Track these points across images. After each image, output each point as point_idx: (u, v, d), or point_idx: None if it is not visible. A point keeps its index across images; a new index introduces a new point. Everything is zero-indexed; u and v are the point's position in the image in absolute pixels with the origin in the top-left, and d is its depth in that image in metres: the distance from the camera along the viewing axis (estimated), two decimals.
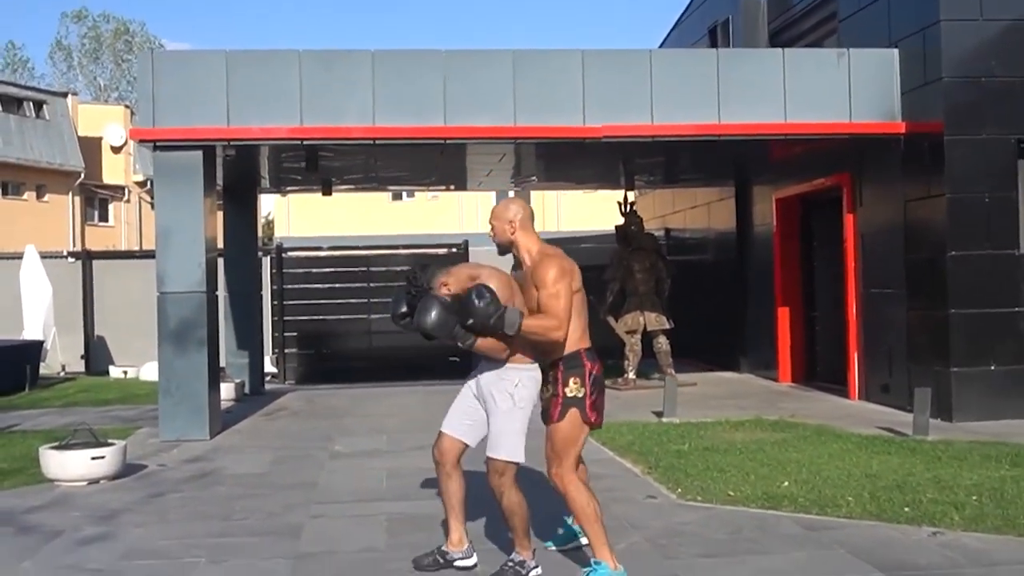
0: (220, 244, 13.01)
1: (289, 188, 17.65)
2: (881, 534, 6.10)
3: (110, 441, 8.54)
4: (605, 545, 5.08)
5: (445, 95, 10.77)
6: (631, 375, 14.58)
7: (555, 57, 11.11)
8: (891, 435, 9.64)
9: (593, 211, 29.14)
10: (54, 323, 17.24)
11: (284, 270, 17.49)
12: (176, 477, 8.49)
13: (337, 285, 17.51)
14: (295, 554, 5.95)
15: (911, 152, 11.22)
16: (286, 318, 17.33)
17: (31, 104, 37.09)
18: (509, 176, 15.71)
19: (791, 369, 14.70)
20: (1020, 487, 7.11)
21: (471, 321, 4.87)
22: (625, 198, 15.44)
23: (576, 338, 5.12)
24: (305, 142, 10.97)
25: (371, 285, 17.32)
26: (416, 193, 34.89)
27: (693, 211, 18.52)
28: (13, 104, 36.41)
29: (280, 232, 35.81)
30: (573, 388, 5.09)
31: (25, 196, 36.39)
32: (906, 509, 6.59)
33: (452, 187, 18.36)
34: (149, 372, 15.77)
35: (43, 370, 16.77)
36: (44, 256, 17.79)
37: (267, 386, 15.55)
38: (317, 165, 12.36)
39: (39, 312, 16.96)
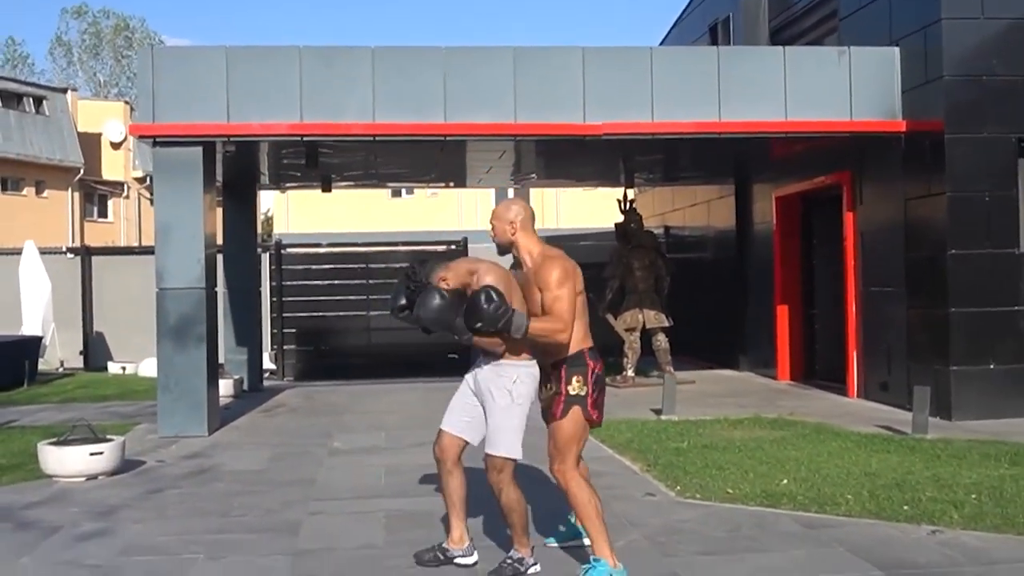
0: (219, 240, 12.99)
1: (289, 184, 17.63)
2: (880, 532, 6.10)
3: (109, 437, 8.52)
4: (606, 543, 5.08)
5: (445, 92, 10.76)
6: (630, 373, 14.57)
7: (556, 54, 11.10)
8: (890, 433, 9.64)
9: (592, 209, 29.14)
10: (53, 319, 17.23)
11: (283, 267, 17.47)
12: (175, 473, 8.48)
13: (336, 282, 17.50)
14: (293, 551, 5.94)
15: (912, 150, 11.21)
16: (285, 315, 17.32)
17: (31, 100, 37.08)
18: (509, 173, 15.71)
19: (790, 367, 14.69)
20: (1019, 486, 7.10)
21: (479, 324, 4.86)
22: (625, 196, 15.43)
23: (579, 338, 5.15)
24: (305, 138, 10.95)
25: (370, 282, 17.29)
26: (415, 190, 34.91)
27: (693, 209, 18.51)
28: (13, 100, 36.40)
29: (279, 229, 35.82)
30: (576, 386, 5.11)
31: (24, 192, 36.39)
32: (905, 507, 6.58)
33: (452, 184, 18.34)
34: (148, 368, 15.76)
35: (42, 366, 16.76)
36: (43, 252, 17.76)
37: (266, 383, 15.56)
38: (317, 161, 12.35)
39: (38, 308, 16.95)
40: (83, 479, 8.07)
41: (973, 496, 6.82)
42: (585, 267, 5.38)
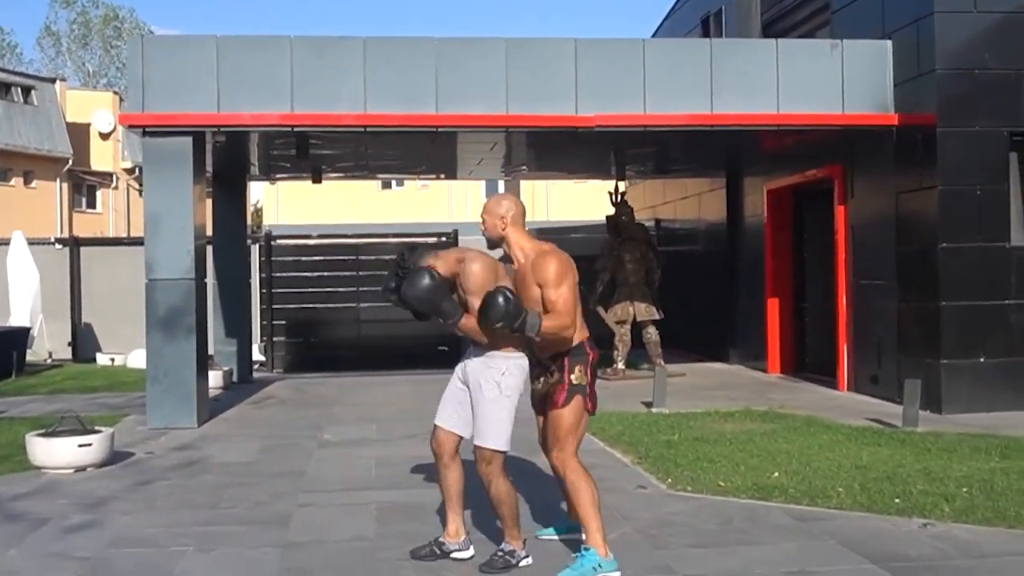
0: (209, 231, 12.93)
1: (279, 175, 17.58)
2: (872, 525, 6.10)
3: (97, 428, 8.49)
4: (598, 532, 5.11)
5: (437, 83, 10.72)
6: (620, 365, 14.57)
7: (548, 46, 11.06)
8: (881, 426, 9.65)
9: (583, 201, 29.13)
10: (41, 310, 17.15)
11: (273, 258, 17.41)
12: (164, 465, 8.44)
13: (326, 273, 17.45)
14: (283, 543, 5.91)
15: (903, 144, 11.21)
16: (275, 306, 17.26)
17: (19, 90, 36.87)
18: (500, 165, 15.67)
19: (780, 360, 14.71)
20: (1010, 479, 7.11)
21: (500, 323, 4.85)
22: (616, 188, 15.42)
23: (578, 329, 5.19)
24: (296, 129, 10.91)
25: (360, 273, 17.24)
26: (406, 182, 34.84)
27: (684, 202, 18.50)
28: (1, 89, 36.19)
29: (269, 220, 35.72)
30: (578, 375, 5.16)
31: (12, 182, 36.19)
32: (896, 500, 6.59)
33: (442, 176, 18.30)
34: (136, 359, 15.71)
35: (30, 357, 16.68)
36: (31, 242, 17.68)
37: (255, 374, 15.50)
38: (308, 152, 12.29)
39: (26, 299, 16.87)
40: (71, 471, 8.02)
41: (964, 489, 6.82)
42: (576, 260, 5.36)
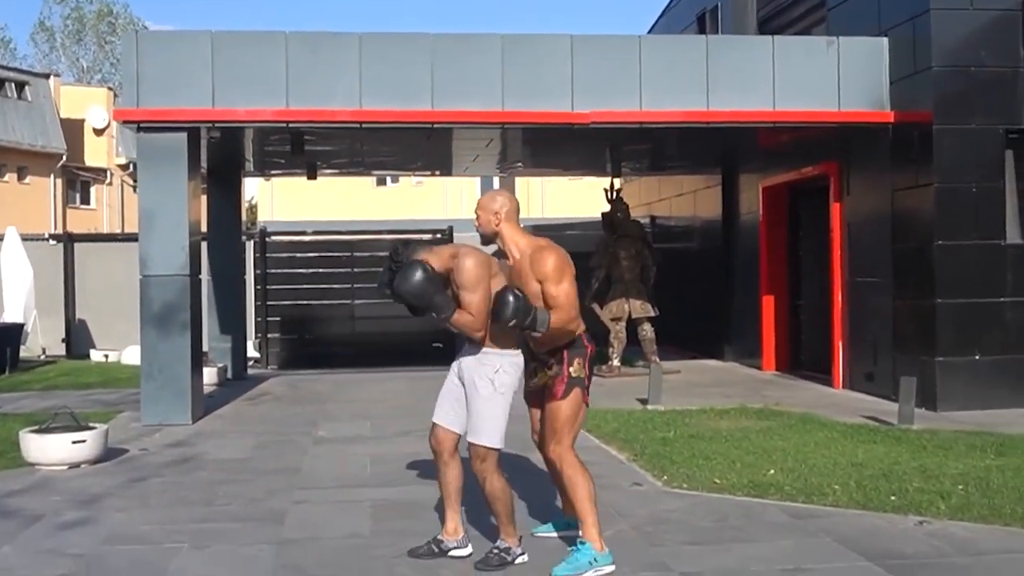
0: (204, 228, 12.89)
1: (274, 172, 17.55)
2: (868, 523, 6.09)
3: (91, 425, 8.45)
4: (594, 527, 5.14)
5: (433, 79, 10.69)
6: (615, 362, 14.56)
7: (544, 42, 11.04)
8: (876, 424, 9.65)
9: (578, 198, 29.09)
10: (35, 306, 17.10)
11: (268, 254, 17.35)
12: (158, 462, 8.41)
13: (321, 270, 17.40)
14: (278, 540, 5.89)
15: (899, 141, 11.20)
16: (269, 303, 17.21)
17: (13, 85, 36.78)
18: (495, 162, 15.66)
19: (775, 357, 14.71)
20: (1006, 477, 7.11)
21: (513, 321, 4.89)
22: (612, 185, 15.40)
23: (577, 326, 5.21)
24: (291, 125, 10.87)
25: (355, 270, 17.20)
26: (401, 179, 34.81)
27: (679, 199, 18.50)
28: None
29: (263, 216, 35.66)
30: (577, 368, 5.20)
31: (6, 178, 36.12)
32: (892, 498, 6.58)
33: (438, 172, 18.28)
34: (130, 356, 15.67)
35: (23, 353, 16.64)
36: (25, 238, 17.61)
37: (250, 371, 15.47)
38: (302, 148, 12.26)
39: (20, 294, 16.81)
40: (65, 467, 8.00)
41: (960, 487, 6.82)
42: (571, 256, 5.37)
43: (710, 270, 16.77)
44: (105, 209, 40.10)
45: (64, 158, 37.46)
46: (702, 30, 17.16)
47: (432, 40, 10.81)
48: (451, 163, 15.82)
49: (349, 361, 16.19)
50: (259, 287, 17.21)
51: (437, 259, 5.10)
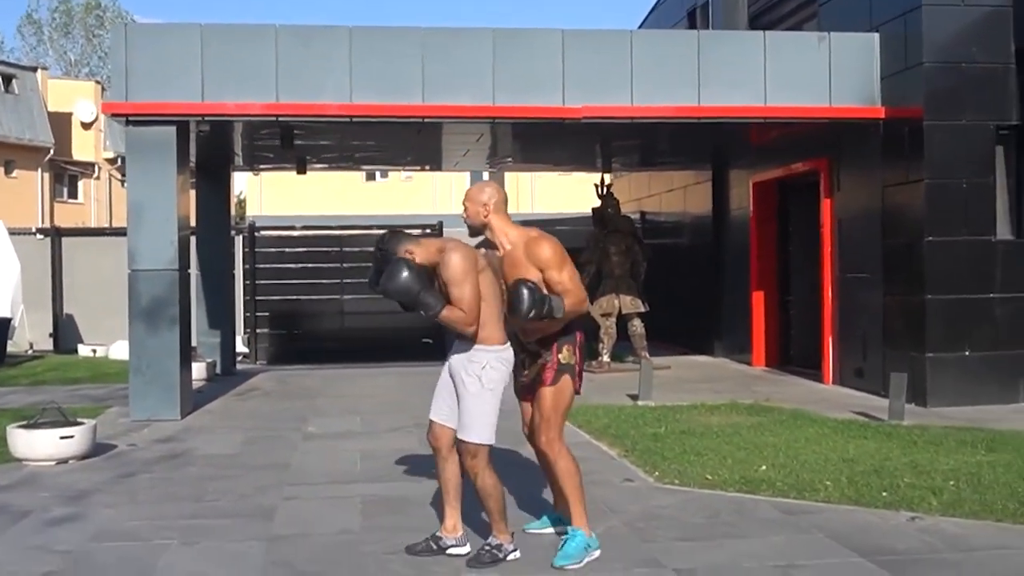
0: (192, 222, 12.83)
1: (263, 166, 17.46)
2: (859, 519, 6.08)
3: (79, 420, 8.40)
4: (583, 514, 5.25)
5: (424, 73, 10.65)
6: (606, 358, 14.55)
7: (535, 36, 11.00)
8: (866, 420, 9.65)
9: (567, 193, 29.11)
10: (22, 300, 17.01)
11: (256, 249, 17.31)
12: (147, 457, 8.36)
13: (310, 265, 17.37)
14: (268, 536, 5.86)
15: (890, 137, 11.21)
16: (258, 298, 17.17)
17: (0, 78, 36.54)
18: (485, 157, 15.62)
19: (765, 353, 14.71)
20: (996, 472, 7.11)
21: (532, 312, 4.93)
22: (602, 180, 15.39)
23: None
24: (280, 119, 10.82)
25: (344, 265, 17.19)
26: (390, 173, 34.75)
27: (669, 194, 18.48)
28: None
29: (252, 211, 35.56)
30: (566, 355, 5.25)
31: None
32: (884, 494, 6.57)
33: (428, 167, 18.23)
34: (118, 351, 15.60)
35: (10, 348, 16.57)
36: (12, 232, 17.53)
37: (239, 366, 15.42)
38: (292, 143, 12.21)
39: (7, 289, 16.72)
40: (53, 463, 7.95)
41: (951, 483, 6.82)
42: None
43: (700, 266, 16.77)
44: (93, 203, 39.92)
45: (51, 152, 37.28)
46: (693, 26, 17.14)
47: (423, 34, 10.77)
48: (441, 158, 15.78)
49: (338, 356, 16.15)
50: (248, 282, 17.16)
51: (423, 251, 5.07)
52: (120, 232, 15.26)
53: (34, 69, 38.96)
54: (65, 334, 18.21)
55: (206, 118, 10.66)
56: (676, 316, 17.09)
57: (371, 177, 35.66)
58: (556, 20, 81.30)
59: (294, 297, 17.26)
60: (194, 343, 12.84)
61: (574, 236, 15.54)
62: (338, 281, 17.22)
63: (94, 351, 16.97)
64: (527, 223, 5.56)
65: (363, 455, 8.29)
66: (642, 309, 14.67)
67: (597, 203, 15.17)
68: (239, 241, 17.34)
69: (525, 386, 5.42)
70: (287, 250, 17.54)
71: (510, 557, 5.22)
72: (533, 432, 5.39)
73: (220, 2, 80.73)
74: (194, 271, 13.04)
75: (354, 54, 10.58)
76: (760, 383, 12.89)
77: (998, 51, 10.82)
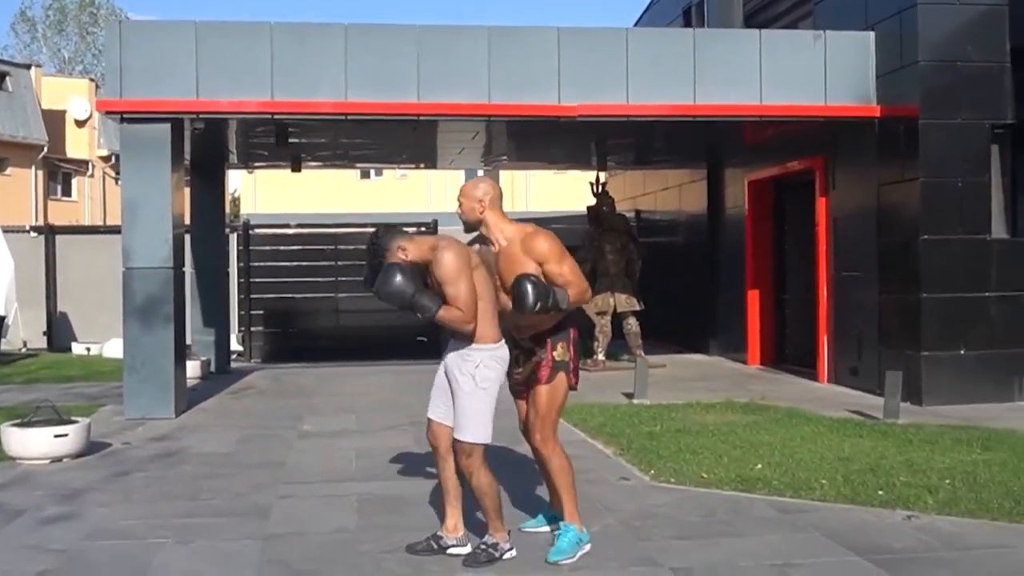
0: (187, 220, 12.80)
1: (258, 164, 17.42)
2: (856, 517, 6.08)
3: (73, 419, 8.37)
4: (576, 510, 5.30)
5: (419, 71, 10.63)
6: (601, 356, 14.54)
7: (531, 34, 10.99)
8: (862, 418, 9.65)
9: (562, 192, 29.10)
10: (16, 298, 16.95)
11: (251, 247, 17.27)
12: (141, 456, 8.34)
13: (305, 263, 17.34)
14: (264, 535, 5.84)
15: (885, 136, 11.21)
16: (253, 296, 17.13)
17: None
18: (480, 155, 15.60)
19: (760, 352, 14.72)
20: (992, 471, 7.11)
21: (539, 306, 4.94)
22: (597, 178, 15.38)
23: (555, 313, 5.23)
24: (276, 117, 10.80)
25: (339, 263, 17.14)
26: (385, 172, 34.71)
27: (664, 193, 18.48)
28: None
29: (246, 209, 35.51)
30: (560, 352, 5.27)
31: None
32: (880, 492, 6.57)
33: (423, 165, 18.21)
34: (112, 349, 15.57)
35: (4, 346, 16.52)
36: (6, 230, 17.45)
37: (233, 364, 15.38)
38: (287, 140, 12.19)
39: (0, 287, 16.65)
40: (47, 462, 7.91)
41: (947, 481, 6.82)
42: None
43: (695, 264, 16.77)
44: (87, 201, 39.81)
45: (45, 149, 37.16)
46: (688, 24, 17.12)
47: (418, 32, 10.74)
48: (436, 156, 15.76)
49: (333, 354, 16.12)
50: (242, 280, 17.12)
51: (416, 248, 5.06)
52: (114, 230, 15.21)
53: (28, 67, 38.82)
54: (59, 332, 18.15)
55: (201, 116, 10.63)
56: (671, 314, 17.08)
57: (365, 175, 35.61)
58: (552, 18, 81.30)
59: (288, 295, 17.22)
60: (188, 341, 12.82)
61: (569, 234, 15.44)
62: (333, 279, 17.18)
63: (88, 349, 16.92)
64: (522, 221, 5.54)
65: (358, 453, 8.28)
66: (637, 307, 14.66)
67: (592, 201, 15.16)
68: (233, 239, 17.29)
69: (519, 383, 5.41)
70: (282, 248, 17.50)
71: (506, 556, 5.21)
72: (528, 429, 5.39)
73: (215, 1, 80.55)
74: (188, 269, 13.00)
75: (349, 52, 10.55)
76: (755, 381, 12.89)
77: (994, 50, 10.82)
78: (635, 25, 20.34)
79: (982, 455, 7.72)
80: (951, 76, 10.79)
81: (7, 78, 36.76)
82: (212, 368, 14.09)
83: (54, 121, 37.85)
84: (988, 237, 10.87)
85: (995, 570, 5.15)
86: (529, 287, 4.92)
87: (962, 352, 10.71)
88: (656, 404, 10.55)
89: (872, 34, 11.36)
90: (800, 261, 13.79)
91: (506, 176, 31.64)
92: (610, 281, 14.69)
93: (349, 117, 10.81)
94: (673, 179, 17.86)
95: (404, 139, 13.28)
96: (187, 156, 12.92)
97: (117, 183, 32.88)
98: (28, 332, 17.55)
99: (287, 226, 18.10)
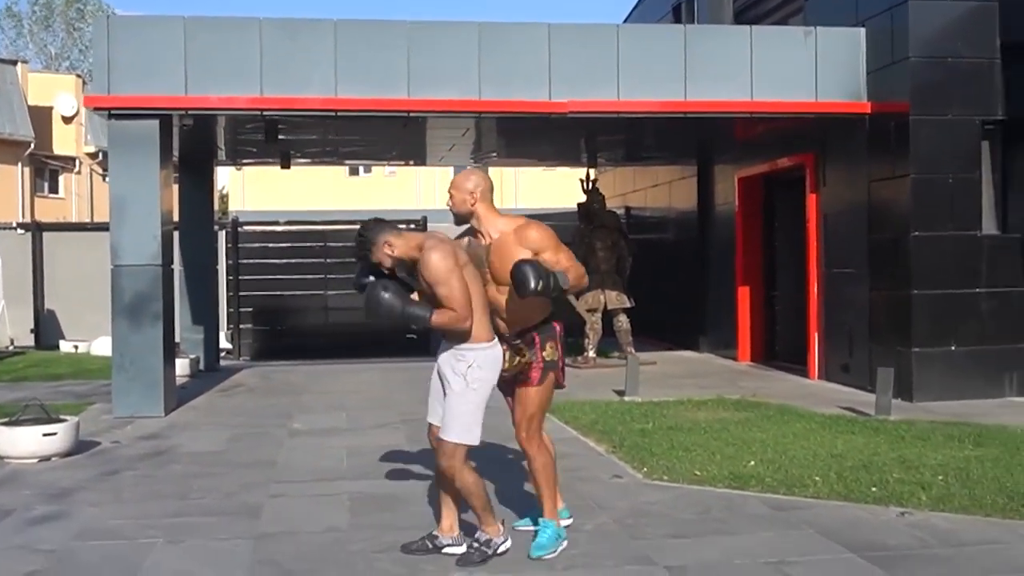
0: (175, 217, 12.73)
1: (246, 160, 17.37)
2: (849, 514, 6.07)
3: (62, 417, 8.31)
4: (554, 508, 5.35)
5: (409, 67, 10.58)
6: (591, 353, 14.52)
7: (521, 30, 10.94)
8: (853, 415, 9.64)
9: (551, 188, 29.09)
10: (3, 296, 16.87)
11: (240, 244, 17.21)
12: (130, 454, 8.28)
13: (293, 260, 17.28)
14: (255, 534, 5.80)
15: (876, 132, 11.21)
16: (241, 293, 17.07)
17: None
18: (470, 152, 15.56)
19: (751, 348, 14.72)
20: (985, 467, 7.11)
21: (540, 285, 4.91)
22: (587, 175, 15.36)
23: (544, 305, 5.30)
24: (265, 113, 10.73)
25: (328, 260, 17.11)
26: (373, 168, 34.65)
27: (654, 189, 18.47)
28: None
29: (234, 206, 35.41)
30: (550, 352, 5.30)
31: None
32: (873, 489, 6.56)
33: (412, 162, 18.17)
34: (101, 347, 15.49)
35: None
36: None
37: (222, 362, 15.32)
38: (276, 137, 12.13)
39: None
40: (35, 460, 7.85)
41: (940, 478, 6.81)
42: None
43: (685, 261, 16.76)
44: (74, 198, 39.60)
45: (32, 146, 36.92)
46: (678, 20, 17.11)
47: (409, 28, 10.69)
48: (426, 153, 15.72)
49: (322, 352, 16.09)
50: (231, 277, 17.06)
51: (404, 243, 5.03)
52: (101, 227, 15.13)
53: (14, 62, 38.56)
54: (46, 330, 18.06)
55: (190, 112, 10.57)
56: (661, 311, 17.07)
57: (354, 172, 35.54)
58: (542, 14, 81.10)
59: (278, 292, 17.17)
60: (177, 339, 12.76)
61: (559, 231, 15.30)
62: (322, 276, 17.15)
63: (76, 347, 16.83)
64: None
65: (349, 452, 8.23)
66: (628, 304, 14.65)
67: (582, 198, 15.13)
68: (222, 236, 17.22)
69: (507, 381, 5.37)
70: (270, 245, 17.45)
71: (501, 549, 5.18)
72: (515, 427, 5.38)
73: None
74: (177, 267, 12.93)
75: (339, 48, 10.50)
76: (746, 378, 12.89)
77: (984, 46, 10.83)
78: (624, 22, 20.31)
79: (974, 451, 7.72)
80: (942, 72, 10.79)
81: None
82: (201, 366, 14.02)
83: (41, 117, 37.63)
84: (978, 233, 10.88)
85: (989, 566, 5.14)
86: (529, 269, 4.91)
87: (953, 348, 10.72)
88: (647, 401, 10.53)
89: (863, 30, 11.36)
90: (790, 258, 13.79)
91: (495, 172, 31.57)
92: (600, 278, 14.66)
93: (339, 113, 10.76)
94: (663, 176, 17.85)
95: (394, 135, 13.24)
96: (176, 153, 12.85)
97: (104, 180, 32.72)
98: (15, 330, 17.47)
99: (276, 223, 18.05)
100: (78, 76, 40.85)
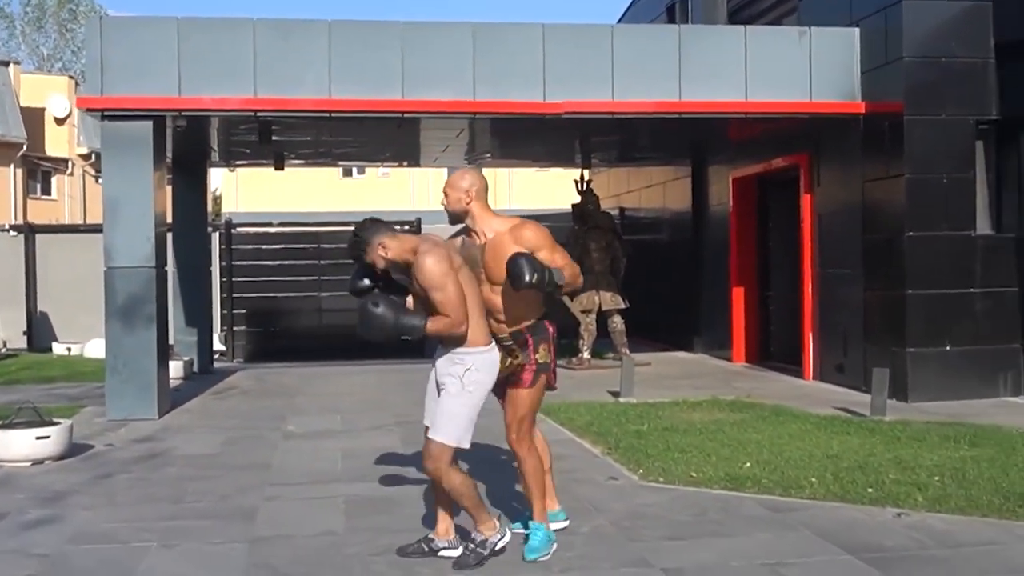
0: (169, 219, 12.69)
1: (240, 162, 17.33)
2: (846, 515, 6.05)
3: (55, 420, 8.27)
4: (544, 510, 5.32)
5: (403, 68, 10.56)
6: (586, 355, 14.50)
7: (515, 31, 10.93)
8: (848, 415, 9.64)
9: (545, 189, 29.08)
10: None
11: (233, 246, 17.17)
12: (124, 458, 8.24)
13: (287, 262, 17.25)
14: (250, 538, 5.77)
15: (870, 132, 11.21)
16: (235, 295, 17.04)
17: None
18: (464, 152, 15.54)
19: (745, 349, 14.71)
20: (981, 468, 7.11)
21: (536, 278, 4.90)
22: (582, 176, 15.35)
23: (538, 304, 5.30)
24: (258, 114, 10.70)
25: (321, 262, 17.08)
26: (367, 170, 34.61)
27: (649, 190, 18.46)
28: None
29: (228, 208, 35.35)
30: (543, 354, 5.28)
31: None
32: (869, 490, 6.55)
33: (406, 163, 18.14)
34: (94, 349, 15.44)
35: None
36: None
37: (216, 364, 15.27)
38: (270, 138, 12.08)
39: None
40: (29, 464, 7.81)
41: (936, 478, 6.81)
42: None
43: (680, 262, 16.75)
44: (67, 200, 39.51)
45: (24, 147, 36.84)
46: (672, 20, 17.10)
47: (402, 28, 10.67)
48: (420, 154, 15.69)
49: (317, 354, 16.04)
50: (225, 279, 17.02)
51: (399, 245, 5.00)
52: (94, 229, 15.08)
53: (6, 64, 38.45)
54: (39, 332, 18.01)
55: (183, 113, 10.54)
56: (656, 312, 17.06)
57: (348, 173, 35.51)
58: (536, 15, 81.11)
59: (271, 294, 17.14)
60: (171, 341, 12.71)
61: (554, 232, 15.34)
62: (316, 278, 17.11)
63: (69, 349, 16.79)
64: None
65: (344, 454, 8.21)
66: (622, 305, 14.64)
67: (577, 199, 15.12)
68: (216, 238, 17.19)
69: (498, 382, 5.34)
70: (264, 247, 17.41)
71: (499, 545, 5.16)
72: (506, 428, 5.36)
73: None
74: (171, 268, 12.90)
75: (333, 48, 10.47)
76: (740, 379, 12.88)
77: (978, 46, 10.84)
78: (618, 22, 20.30)
79: (970, 451, 7.72)
80: (936, 72, 10.79)
81: None
82: (195, 368, 13.98)
83: (33, 119, 37.53)
84: (973, 233, 10.88)
85: (986, 567, 5.13)
86: (524, 262, 4.90)
87: (947, 348, 10.72)
88: (642, 402, 10.51)
89: (857, 30, 11.36)
90: (785, 258, 13.78)
91: (489, 173, 31.50)
92: (595, 279, 14.64)
93: (333, 114, 10.74)
94: (658, 176, 17.84)
95: (388, 136, 13.21)
96: (169, 154, 12.82)
97: (97, 181, 32.68)
98: (8, 332, 17.43)
99: (269, 225, 18.01)
100: (71, 77, 40.76)
